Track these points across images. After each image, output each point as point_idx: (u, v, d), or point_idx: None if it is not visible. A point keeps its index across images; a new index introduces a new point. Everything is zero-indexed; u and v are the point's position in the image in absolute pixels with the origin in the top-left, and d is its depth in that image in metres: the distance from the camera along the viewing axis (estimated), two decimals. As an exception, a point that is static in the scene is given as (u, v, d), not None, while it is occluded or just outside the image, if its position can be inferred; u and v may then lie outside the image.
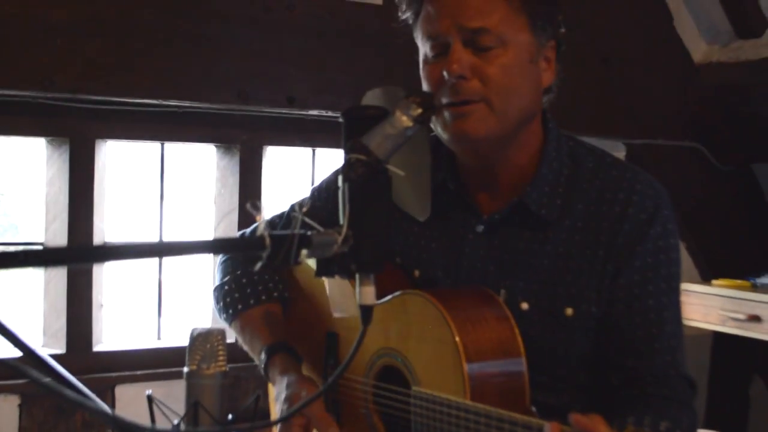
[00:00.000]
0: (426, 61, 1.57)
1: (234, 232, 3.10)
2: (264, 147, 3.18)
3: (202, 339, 1.59)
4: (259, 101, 2.96)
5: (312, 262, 1.23)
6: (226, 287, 1.86)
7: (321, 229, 1.19)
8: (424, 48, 1.57)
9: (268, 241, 1.10)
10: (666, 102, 3.85)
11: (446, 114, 1.52)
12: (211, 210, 3.21)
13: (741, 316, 3.27)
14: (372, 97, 1.45)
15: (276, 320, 1.82)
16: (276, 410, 1.67)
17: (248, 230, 1.95)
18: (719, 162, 3.99)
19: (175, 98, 2.87)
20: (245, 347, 1.84)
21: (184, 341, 1.51)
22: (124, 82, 2.75)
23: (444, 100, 1.51)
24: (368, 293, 1.25)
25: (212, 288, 1.93)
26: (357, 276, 1.25)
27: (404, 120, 1.26)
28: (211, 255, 2.11)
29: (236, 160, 3.14)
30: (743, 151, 3.95)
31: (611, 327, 1.56)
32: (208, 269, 3.15)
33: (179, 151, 3.26)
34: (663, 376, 1.53)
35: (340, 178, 1.25)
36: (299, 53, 3.00)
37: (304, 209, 1.17)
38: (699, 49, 3.96)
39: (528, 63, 1.54)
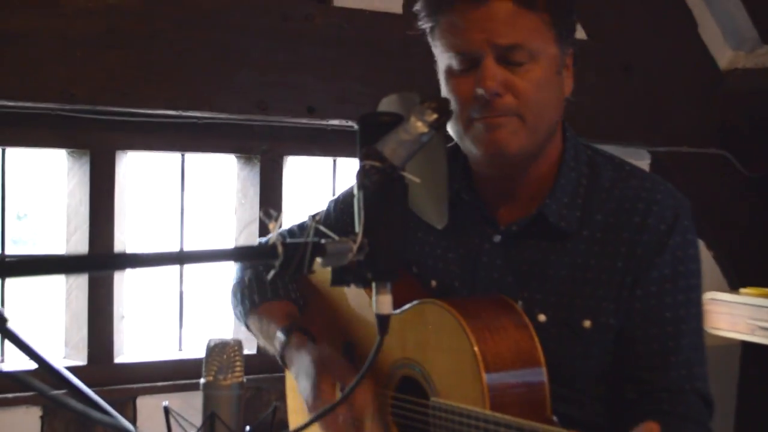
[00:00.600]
0: (452, 73, 1.55)
1: (255, 243, 3.09)
2: (284, 157, 3.17)
3: (218, 350, 1.58)
4: (278, 111, 2.95)
5: (327, 271, 1.21)
6: (246, 280, 1.86)
7: (335, 237, 1.18)
8: (448, 60, 1.54)
9: (280, 249, 1.09)
10: (690, 109, 3.80)
11: (478, 126, 1.51)
12: (232, 221, 3.20)
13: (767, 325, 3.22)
14: (388, 104, 1.43)
15: (294, 313, 1.80)
16: (299, 387, 1.62)
17: (264, 239, 1.93)
18: (746, 169, 3.93)
19: (195, 109, 2.87)
20: (261, 340, 1.82)
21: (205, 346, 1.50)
22: (143, 93, 2.76)
23: (476, 115, 1.50)
24: (385, 302, 1.23)
25: (231, 285, 1.92)
26: (373, 285, 1.23)
27: (419, 126, 1.24)
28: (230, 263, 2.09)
29: (256, 170, 3.14)
30: (769, 159, 3.89)
31: (627, 339, 1.53)
32: (229, 280, 3.16)
33: (199, 162, 3.26)
34: (678, 390, 1.50)
35: (354, 186, 1.23)
36: (318, 63, 2.99)
37: (318, 218, 1.16)
38: (724, 56, 3.91)
39: (555, 75, 1.53)
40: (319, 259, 1.15)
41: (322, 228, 1.16)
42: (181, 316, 3.18)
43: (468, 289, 1.64)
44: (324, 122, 3.09)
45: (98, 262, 1.06)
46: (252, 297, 1.83)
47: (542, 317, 1.55)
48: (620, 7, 3.55)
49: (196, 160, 3.22)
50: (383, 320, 1.24)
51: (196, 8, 2.80)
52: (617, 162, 1.63)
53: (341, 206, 1.86)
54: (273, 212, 1.17)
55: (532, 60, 1.49)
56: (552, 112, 1.55)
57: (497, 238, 1.61)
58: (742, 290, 3.52)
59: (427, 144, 1.26)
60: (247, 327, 1.88)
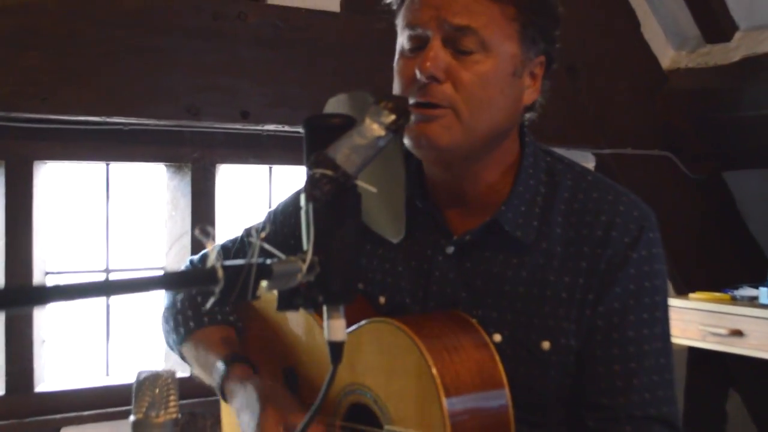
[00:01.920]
0: (402, 53, 1.44)
1: (187, 257, 2.89)
2: (217, 165, 2.99)
3: (149, 383, 1.40)
4: (210, 117, 2.78)
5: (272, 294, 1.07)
6: (179, 305, 1.70)
7: (282, 256, 1.04)
8: (401, 38, 1.43)
9: (220, 273, 0.94)
10: (635, 110, 3.75)
11: (414, 115, 1.36)
12: (162, 234, 3.01)
13: (722, 331, 3.14)
14: (336, 104, 1.29)
15: (232, 339, 1.67)
16: (242, 423, 1.48)
17: (197, 257, 1.78)
18: (690, 171, 3.89)
19: (120, 115, 2.67)
20: (197, 369, 1.68)
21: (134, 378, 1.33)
22: (63, 98, 2.55)
23: (411, 100, 1.36)
24: (338, 327, 1.10)
25: (162, 309, 1.77)
26: (324, 308, 1.10)
27: (375, 128, 1.09)
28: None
29: (187, 180, 2.95)
30: (714, 159, 3.85)
31: (587, 360, 1.42)
32: (159, 298, 2.97)
33: (126, 172, 3.04)
34: (642, 417, 1.39)
35: (302, 198, 1.09)
36: (253, 65, 2.83)
37: (263, 234, 1.00)
38: (666, 56, 3.89)
39: (509, 76, 1.41)
40: (264, 283, 1.01)
41: (267, 246, 1.01)
42: (107, 339, 2.98)
43: (420, 305, 1.51)
44: (259, 128, 2.92)
45: (11, 298, 0.88)
46: (186, 323, 1.67)
47: (498, 337, 1.43)
48: (564, 7, 3.46)
49: (122, 169, 3.01)
50: (336, 348, 1.11)
51: (119, 7, 2.61)
52: (577, 170, 1.52)
53: (281, 218, 1.71)
54: (209, 229, 1.01)
55: (483, 51, 1.37)
56: (496, 115, 1.41)
57: (450, 250, 1.49)
58: (692, 295, 3.46)
59: (384, 149, 1.12)
60: (181, 356, 1.73)
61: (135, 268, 3.03)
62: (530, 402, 1.42)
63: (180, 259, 2.94)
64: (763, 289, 3.08)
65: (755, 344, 3.06)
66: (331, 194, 1.07)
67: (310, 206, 1.07)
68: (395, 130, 1.11)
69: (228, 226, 3.06)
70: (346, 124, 1.14)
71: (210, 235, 0.99)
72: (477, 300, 1.46)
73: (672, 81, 3.83)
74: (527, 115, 1.51)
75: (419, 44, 1.39)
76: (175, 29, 2.69)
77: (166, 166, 2.98)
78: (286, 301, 1.10)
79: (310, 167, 1.07)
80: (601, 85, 3.62)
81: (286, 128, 2.94)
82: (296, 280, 1.04)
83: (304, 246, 1.08)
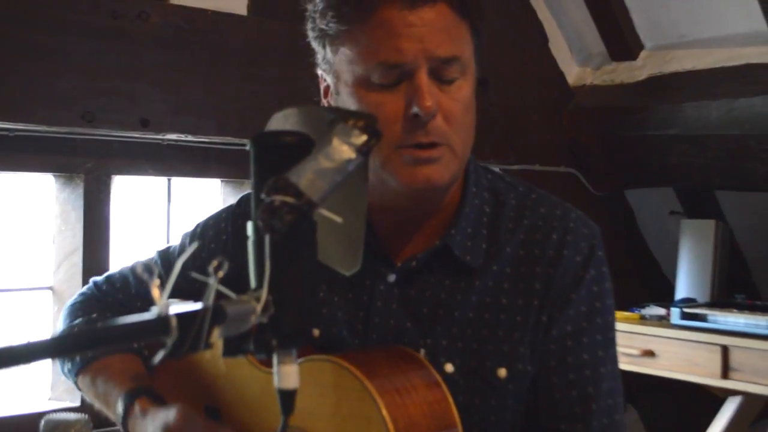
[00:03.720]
0: (370, 87, 1.29)
1: (77, 275, 2.67)
2: (112, 177, 2.75)
3: (58, 433, 1.23)
4: (107, 124, 2.55)
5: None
6: (76, 329, 1.52)
7: (233, 295, 0.89)
8: (364, 72, 1.28)
9: (174, 322, 0.78)
10: (543, 126, 3.73)
11: (406, 156, 1.28)
12: (50, 251, 2.75)
13: (634, 352, 3.12)
14: (284, 120, 1.13)
15: (137, 368, 1.49)
16: None
17: (100, 279, 1.60)
18: (594, 188, 3.89)
19: (6, 119, 2.41)
20: (96, 403, 1.50)
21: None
22: (-60, 100, 2.29)
23: (406, 141, 1.28)
24: (290, 373, 0.97)
25: (58, 325, 1.60)
26: (275, 353, 0.96)
27: (345, 150, 0.95)
28: (58, 316, 1.71)
29: (80, 192, 2.69)
30: (618, 177, 3.86)
31: (542, 386, 1.35)
32: (47, 312, 2.71)
33: (11, 183, 2.77)
34: None
35: (250, 226, 0.95)
36: (154, 69, 2.61)
37: (220, 273, 0.84)
38: (572, 72, 3.88)
39: (474, 94, 1.35)
40: (217, 329, 0.86)
41: (223, 289, 0.85)
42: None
43: (359, 338, 1.39)
44: (159, 137, 2.71)
45: None
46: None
47: (449, 367, 1.34)
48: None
49: (6, 180, 2.74)
50: (288, 397, 0.98)
51: (5, 1, 2.36)
52: (521, 188, 1.44)
53: (207, 239, 1.54)
54: (153, 266, 0.84)
55: (462, 76, 1.29)
56: (473, 136, 1.36)
57: (392, 278, 1.38)
58: (601, 314, 3.43)
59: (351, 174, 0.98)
60: (77, 386, 1.55)
61: (19, 288, 2.77)
62: None
63: (70, 278, 2.69)
64: (674, 310, 3.07)
65: (667, 365, 3.05)
66: (291, 224, 0.92)
67: (268, 238, 0.91)
68: (366, 153, 0.97)
69: (122, 243, 2.83)
70: (302, 143, 0.99)
71: (153, 273, 0.83)
72: (424, 329, 1.36)
73: (578, 98, 3.82)
74: None
75: (397, 78, 1.27)
76: (70, 27, 2.45)
77: (55, 176, 2.72)
78: (234, 347, 0.94)
79: (267, 193, 0.91)
80: (511, 100, 3.57)
81: (189, 138, 2.74)
82: (249, 323, 0.90)
83: (252, 283, 0.94)
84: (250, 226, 0.96)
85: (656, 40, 3.61)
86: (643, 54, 3.67)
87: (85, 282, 2.58)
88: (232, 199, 2.95)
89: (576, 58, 3.87)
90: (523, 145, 3.64)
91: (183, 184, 3.04)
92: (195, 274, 0.89)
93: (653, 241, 4.09)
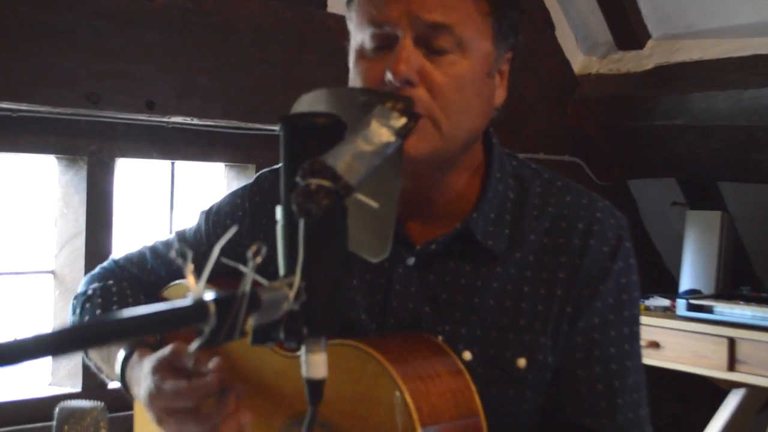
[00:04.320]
0: (362, 53, 1.27)
1: (80, 259, 2.63)
2: (116, 159, 2.71)
3: (75, 421, 1.19)
4: (112, 106, 2.51)
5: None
6: (91, 292, 1.54)
7: (264, 282, 0.86)
8: (361, 35, 1.26)
9: (213, 309, 0.74)
10: (548, 114, 3.70)
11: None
12: (53, 234, 2.71)
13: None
14: (313, 101, 1.09)
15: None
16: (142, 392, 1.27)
17: (120, 256, 1.60)
18: (597, 177, 3.87)
19: (9, 100, 2.37)
20: (104, 369, 1.46)
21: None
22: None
23: None
24: (319, 363, 0.94)
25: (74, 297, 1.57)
26: (305, 341, 0.92)
27: (383, 133, 0.92)
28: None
29: (83, 174, 2.65)
30: (622, 167, 3.84)
31: (567, 379, 1.31)
32: (48, 296, 2.68)
33: (14, 164, 2.72)
34: None
35: (279, 210, 0.92)
36: (160, 51, 2.57)
37: (258, 259, 0.80)
38: (577, 61, 3.85)
39: (484, 76, 1.28)
40: (252, 317, 0.83)
41: (255, 275, 0.82)
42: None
43: (377, 323, 1.35)
44: (165, 119, 2.67)
45: None
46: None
47: (467, 355, 1.30)
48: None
49: (9, 161, 2.70)
50: (316, 387, 0.95)
51: (11, -21, 2.32)
52: (546, 175, 1.40)
53: (215, 219, 1.52)
54: (186, 250, 0.80)
55: (459, 50, 1.23)
56: (474, 121, 1.29)
57: (411, 261, 1.34)
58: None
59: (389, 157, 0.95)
60: (87, 356, 1.54)
61: (21, 271, 2.73)
62: (500, 425, 1.29)
63: (72, 262, 2.65)
64: (680, 301, 3.05)
65: (672, 356, 3.03)
66: (327, 209, 0.89)
67: (302, 223, 0.88)
68: (404, 136, 0.94)
69: (125, 227, 2.79)
70: (334, 125, 0.96)
71: (188, 258, 0.79)
72: (443, 315, 1.33)
73: (583, 86, 3.79)
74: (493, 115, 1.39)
75: (385, 43, 1.23)
76: (75, 7, 2.41)
77: (58, 158, 2.67)
78: (263, 334, 0.91)
79: (303, 176, 0.88)
80: (516, 87, 3.52)
81: (195, 121, 2.70)
82: (281, 311, 0.87)
83: (281, 269, 0.91)
84: (279, 210, 0.93)
85: (663, 29, 3.59)
86: (650, 43, 3.64)
87: (87, 267, 2.56)
88: (237, 184, 2.95)
89: (582, 47, 3.84)
90: (528, 133, 3.61)
91: (187, 167, 3.00)
92: (225, 260, 0.85)
93: (655, 231, 4.07)
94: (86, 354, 1.53)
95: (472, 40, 1.24)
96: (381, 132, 0.92)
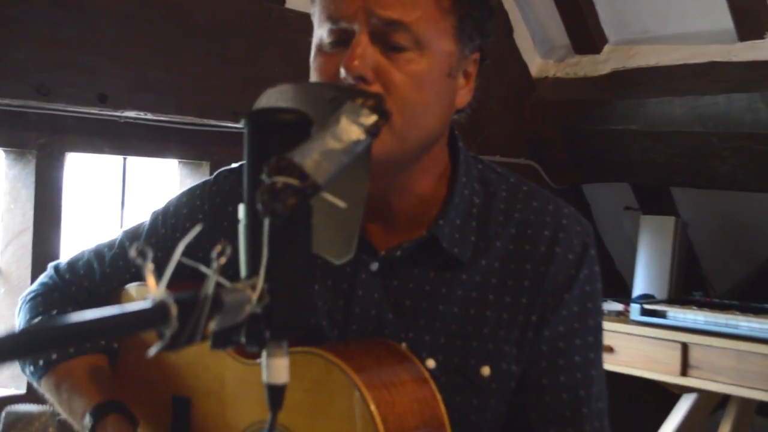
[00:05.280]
0: (320, 48, 1.24)
1: (26, 256, 2.55)
2: (65, 154, 2.64)
3: (21, 426, 1.14)
4: (63, 98, 2.43)
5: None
6: (60, 322, 1.42)
7: (227, 283, 0.82)
8: (320, 31, 1.23)
9: (174, 311, 0.71)
10: (505, 117, 3.70)
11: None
12: (-2, 229, 2.63)
13: (593, 347, 3.10)
14: (278, 96, 1.05)
15: (104, 375, 1.43)
16: None
17: (62, 265, 1.53)
18: (553, 181, 3.88)
19: (-46, 91, 2.29)
20: (61, 410, 1.42)
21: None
22: None
23: None
24: (280, 367, 0.90)
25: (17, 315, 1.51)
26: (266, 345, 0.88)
27: (353, 131, 0.89)
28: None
29: (31, 168, 2.57)
30: (577, 170, 3.85)
31: (532, 388, 1.29)
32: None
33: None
34: None
35: (242, 209, 0.88)
36: (114, 42, 2.51)
37: (222, 259, 0.76)
38: (534, 64, 3.85)
39: (444, 76, 1.25)
40: (213, 320, 0.79)
41: (219, 277, 0.77)
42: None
43: (339, 329, 1.32)
44: (117, 113, 2.60)
45: None
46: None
47: (431, 362, 1.28)
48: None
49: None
50: (277, 392, 0.91)
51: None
52: (512, 180, 1.38)
53: (172, 222, 1.46)
54: (147, 249, 0.76)
55: (417, 48, 1.20)
56: (431, 121, 1.25)
57: (375, 266, 1.31)
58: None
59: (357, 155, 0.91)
60: (37, 387, 1.47)
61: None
62: None
63: (18, 259, 2.57)
64: (634, 306, 3.06)
65: (625, 360, 3.04)
66: (293, 209, 0.85)
67: (267, 222, 0.84)
68: (374, 134, 0.90)
69: (74, 224, 2.72)
70: (301, 121, 0.92)
71: (147, 257, 0.75)
72: (406, 322, 1.30)
73: (540, 90, 3.80)
74: (454, 117, 1.35)
75: (342, 38, 1.20)
76: (26, -5, 2.34)
77: (5, 151, 2.59)
78: (223, 338, 0.87)
79: (269, 174, 0.84)
80: (474, 89, 3.53)
81: (148, 116, 2.64)
82: (243, 313, 0.83)
83: (243, 271, 0.87)
84: (242, 208, 0.89)
85: (620, 34, 3.61)
86: (606, 48, 3.66)
87: (34, 264, 2.48)
88: (190, 181, 2.89)
89: (539, 50, 3.85)
90: (484, 135, 3.60)
91: (139, 163, 2.93)
92: (185, 259, 0.81)
93: (608, 235, 4.09)
94: (38, 386, 1.46)
95: (432, 38, 1.21)
96: (351, 129, 0.89)
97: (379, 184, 1.27)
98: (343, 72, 1.17)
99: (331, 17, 1.20)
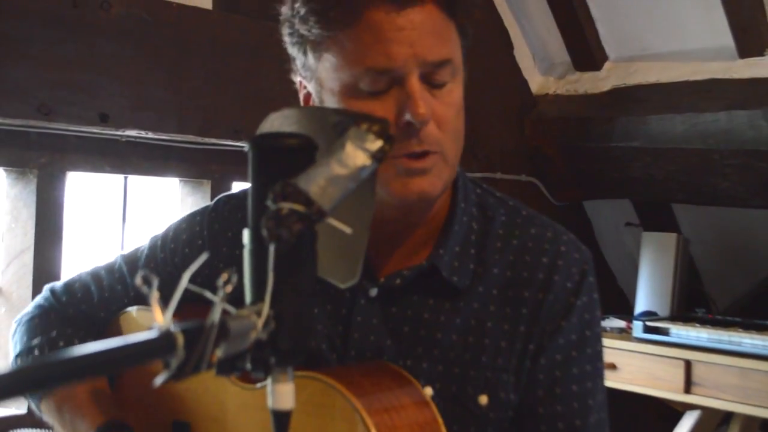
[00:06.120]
0: (357, 95, 1.20)
1: (27, 276, 2.54)
2: (66, 173, 2.63)
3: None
4: (64, 117, 2.43)
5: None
6: (37, 352, 1.42)
7: (232, 309, 0.81)
8: (350, 78, 1.19)
9: (180, 341, 0.70)
10: (506, 134, 3.70)
11: (399, 167, 1.20)
12: (-1, 249, 2.62)
13: (596, 365, 3.08)
14: (281, 122, 1.05)
15: (105, 397, 1.41)
16: None
17: (59, 287, 1.51)
18: (554, 197, 3.87)
19: (-44, 110, 2.29)
20: (61, 431, 1.41)
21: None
22: None
23: (397, 150, 1.18)
24: (285, 394, 0.89)
25: (12, 354, 1.48)
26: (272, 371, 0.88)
27: (359, 156, 0.88)
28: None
29: (32, 188, 2.56)
30: (578, 187, 3.84)
31: (528, 416, 1.28)
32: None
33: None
34: None
35: (246, 234, 0.87)
36: (115, 62, 2.50)
37: (228, 287, 0.76)
38: (534, 81, 3.85)
39: (463, 96, 1.27)
40: (220, 348, 0.79)
41: (224, 305, 0.77)
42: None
43: (338, 353, 1.32)
44: (118, 133, 2.60)
45: None
46: None
47: (428, 390, 1.26)
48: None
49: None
50: (282, 418, 0.89)
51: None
52: (510, 205, 1.37)
53: (171, 247, 1.45)
54: (152, 277, 0.76)
55: (453, 79, 1.22)
56: (463, 143, 1.28)
57: (374, 292, 1.30)
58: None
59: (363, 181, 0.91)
60: (38, 411, 1.45)
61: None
62: None
63: (19, 279, 2.56)
64: (637, 323, 3.05)
65: (628, 378, 3.03)
66: (299, 235, 0.85)
67: (273, 248, 0.84)
68: (380, 159, 0.90)
69: (75, 243, 2.71)
70: (306, 146, 0.92)
71: (153, 284, 0.75)
72: (404, 349, 1.29)
73: (540, 106, 3.80)
74: None
75: (387, 85, 1.19)
76: (28, 14, 2.34)
77: (6, 171, 2.58)
78: (228, 365, 0.86)
79: (274, 200, 0.84)
80: (474, 106, 3.52)
81: (149, 135, 2.63)
82: (248, 340, 0.82)
83: (248, 297, 0.86)
84: (246, 234, 0.88)
85: (621, 51, 3.61)
86: (607, 65, 3.66)
87: (35, 283, 2.47)
88: (191, 200, 2.88)
89: (539, 67, 3.85)
90: (485, 152, 3.60)
91: (140, 182, 2.93)
92: (192, 286, 0.80)
93: (609, 252, 4.09)
94: (41, 415, 1.45)
95: (460, 64, 1.23)
96: (356, 155, 0.88)
97: (411, 217, 1.29)
98: (408, 118, 1.17)
99: (376, 68, 1.17)
